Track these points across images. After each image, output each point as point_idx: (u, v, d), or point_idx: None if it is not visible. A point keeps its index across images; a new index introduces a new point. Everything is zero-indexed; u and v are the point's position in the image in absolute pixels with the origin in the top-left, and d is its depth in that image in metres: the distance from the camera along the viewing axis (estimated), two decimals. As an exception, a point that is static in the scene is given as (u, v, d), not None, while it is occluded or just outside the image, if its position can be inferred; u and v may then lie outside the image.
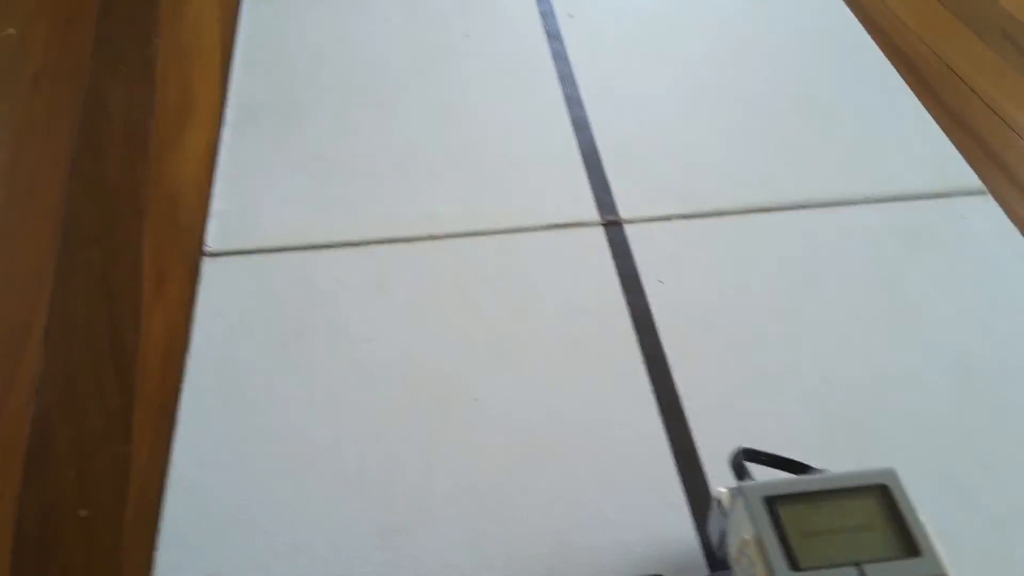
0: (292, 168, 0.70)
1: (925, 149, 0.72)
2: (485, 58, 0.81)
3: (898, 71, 0.80)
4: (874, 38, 0.84)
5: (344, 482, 0.51)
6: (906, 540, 0.33)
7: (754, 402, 0.55)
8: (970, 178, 0.70)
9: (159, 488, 0.50)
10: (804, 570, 0.32)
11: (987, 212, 0.67)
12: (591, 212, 0.67)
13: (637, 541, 0.48)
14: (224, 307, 0.59)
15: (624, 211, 0.67)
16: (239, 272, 0.62)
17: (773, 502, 0.34)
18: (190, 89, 0.78)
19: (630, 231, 0.66)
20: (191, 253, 0.64)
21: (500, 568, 0.47)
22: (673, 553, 0.47)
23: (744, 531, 0.34)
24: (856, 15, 0.88)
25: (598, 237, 0.65)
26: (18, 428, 0.54)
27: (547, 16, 0.86)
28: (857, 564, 0.32)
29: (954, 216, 0.66)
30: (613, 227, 0.66)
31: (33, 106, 0.77)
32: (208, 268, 0.62)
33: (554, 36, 0.84)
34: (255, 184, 0.68)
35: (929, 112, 0.76)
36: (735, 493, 0.35)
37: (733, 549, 0.35)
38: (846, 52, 0.83)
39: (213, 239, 0.64)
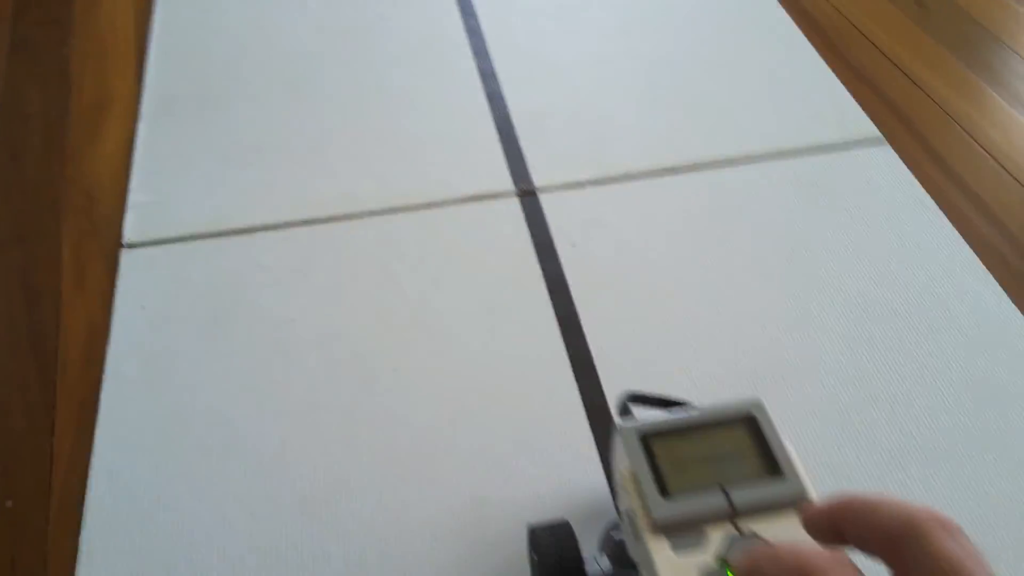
0: (209, 156, 0.70)
1: (827, 104, 0.75)
2: (401, 37, 0.82)
3: (802, 30, 0.83)
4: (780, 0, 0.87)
5: (266, 458, 0.52)
6: (769, 463, 0.34)
7: (662, 355, 0.57)
8: (869, 128, 0.72)
9: (83, 476, 0.51)
10: (673, 496, 0.34)
11: (886, 161, 0.69)
12: (506, 183, 0.69)
13: (550, 492, 0.50)
14: (144, 297, 0.60)
15: (538, 180, 0.69)
16: (158, 262, 0.62)
17: (647, 438, 0.35)
18: (106, 85, 0.79)
19: (544, 199, 0.67)
20: (110, 247, 0.64)
21: (417, 529, 0.49)
22: (584, 500, 0.49)
23: (623, 466, 0.35)
24: None
25: (513, 207, 0.67)
26: (-58, 429, 0.54)
27: (462, -6, 0.87)
28: (722, 487, 0.34)
29: (854, 166, 0.69)
30: (527, 196, 0.68)
31: (-54, 111, 0.76)
32: (127, 260, 0.62)
33: (468, 12, 0.85)
34: (172, 175, 0.69)
35: (831, 69, 0.78)
36: (614, 432, 0.37)
37: (617, 484, 0.37)
38: (752, 14, 0.85)
39: (131, 231, 0.65)
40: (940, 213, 0.65)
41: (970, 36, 0.83)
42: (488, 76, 0.78)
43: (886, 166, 0.69)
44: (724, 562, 0.32)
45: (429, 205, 0.67)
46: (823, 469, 0.51)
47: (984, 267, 0.62)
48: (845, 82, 0.77)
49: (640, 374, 0.56)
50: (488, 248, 0.64)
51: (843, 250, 0.63)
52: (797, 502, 0.34)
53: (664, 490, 0.34)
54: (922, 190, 0.67)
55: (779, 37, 0.82)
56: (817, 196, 0.67)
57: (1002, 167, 0.70)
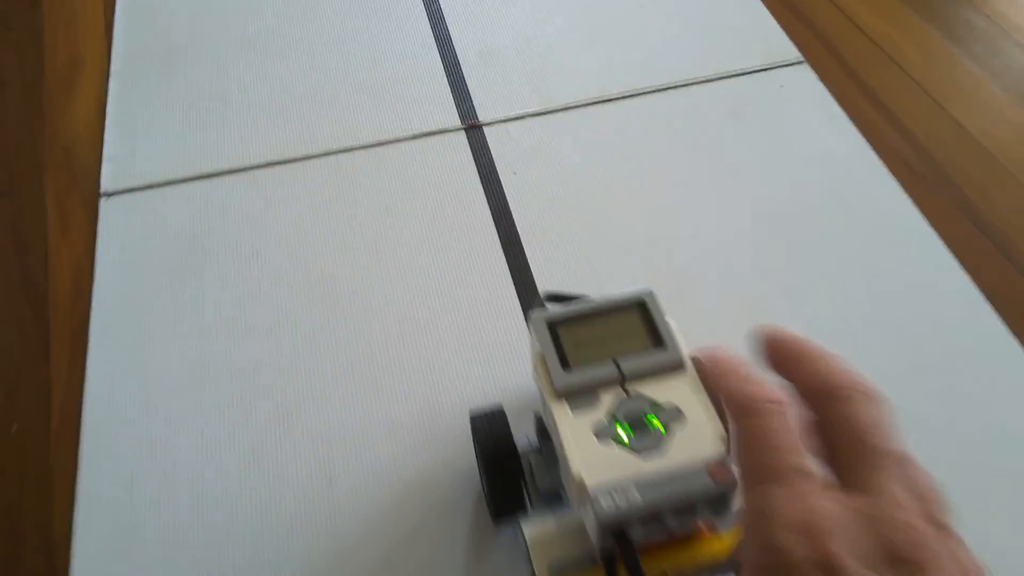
0: (176, 110, 0.76)
1: (752, 30, 0.79)
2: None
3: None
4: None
5: (240, 379, 0.58)
6: (654, 338, 0.41)
7: (595, 265, 0.63)
8: (791, 51, 0.77)
9: (78, 400, 0.58)
10: (572, 369, 0.40)
11: (803, 79, 0.75)
12: (453, 119, 0.74)
13: (492, 388, 0.57)
14: (123, 239, 0.66)
15: (483, 115, 0.74)
16: (134, 208, 0.68)
17: (553, 324, 0.42)
18: (77, 47, 0.83)
19: (488, 132, 0.73)
20: (90, 197, 0.70)
21: (380, 426, 0.56)
22: (520, 391, 0.56)
23: (534, 349, 0.42)
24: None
25: (460, 140, 0.72)
26: (-50, 366, 0.61)
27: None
28: (614, 359, 0.40)
29: (774, 86, 0.74)
30: (473, 130, 0.73)
31: (-74, 80, 0.81)
32: (105, 208, 0.68)
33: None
34: (143, 128, 0.74)
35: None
36: (528, 321, 0.43)
37: (532, 369, 0.43)
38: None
39: (107, 181, 0.70)
40: (850, 124, 0.71)
41: (893, -43, 0.87)
42: (436, 19, 0.83)
43: (804, 84, 0.74)
44: (613, 417, 0.38)
45: (382, 143, 0.72)
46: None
47: (888, 172, 0.67)
48: (771, 7, 0.82)
49: (574, 281, 0.62)
50: (438, 179, 0.70)
51: (759, 162, 0.69)
52: (676, 367, 0.40)
53: (565, 364, 0.40)
54: (836, 105, 0.72)
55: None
56: (739, 115, 0.72)
57: (913, 80, 0.75)
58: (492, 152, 0.71)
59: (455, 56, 0.79)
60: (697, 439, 0.36)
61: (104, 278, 0.64)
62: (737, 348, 0.34)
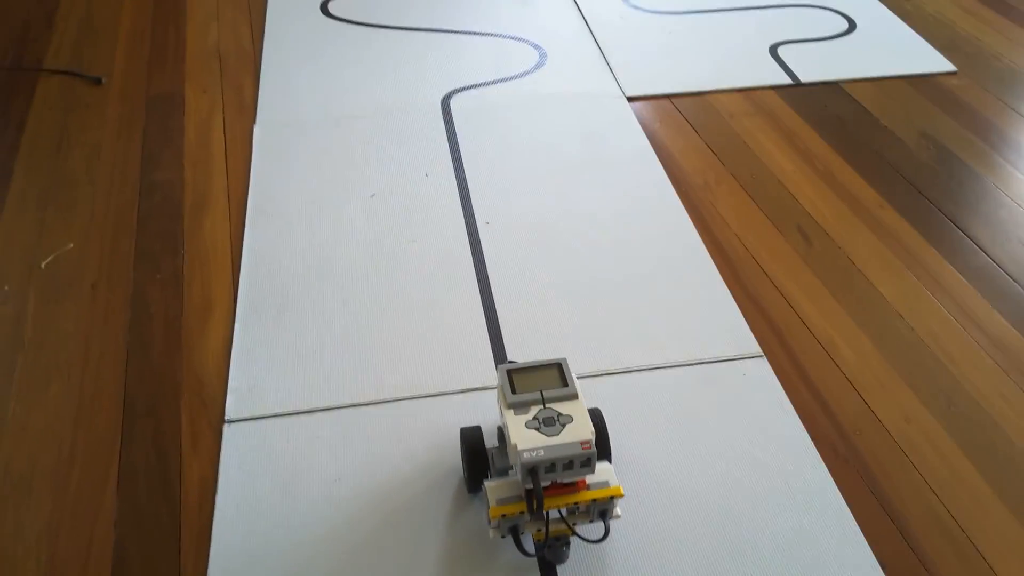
0: (284, 352, 1.00)
1: (724, 322, 1.04)
2: (424, 258, 1.12)
3: (712, 258, 1.13)
4: (700, 234, 1.17)
5: (322, 577, 0.78)
6: (563, 381, 0.76)
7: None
8: (752, 344, 1.01)
9: (202, 586, 0.78)
10: (517, 393, 0.74)
11: (761, 371, 0.98)
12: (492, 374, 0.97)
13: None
14: (240, 458, 0.88)
15: (515, 377, 0.97)
16: (250, 433, 0.91)
17: (509, 371, 0.77)
18: (209, 290, 1.09)
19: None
20: (216, 421, 0.93)
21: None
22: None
23: (498, 384, 0.76)
24: (690, 215, 1.21)
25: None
26: (103, 550, 0.81)
27: (469, 222, 1.18)
28: (540, 390, 0.75)
29: (737, 373, 0.97)
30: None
31: (94, 309, 1.06)
32: (228, 431, 0.91)
33: (476, 249, 1.15)
34: (258, 367, 0.98)
35: (731, 292, 1.08)
36: (498, 370, 0.77)
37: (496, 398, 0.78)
38: (678, 242, 1.15)
39: (231, 410, 0.93)
40: (795, 415, 0.93)
41: (843, 270, 1.13)
42: (485, 293, 1.08)
43: (761, 375, 0.97)
44: (535, 418, 0.72)
45: (435, 395, 0.95)
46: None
47: (819, 454, 0.89)
48: (740, 303, 1.06)
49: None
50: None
51: (721, 425, 0.91)
52: (572, 397, 0.74)
53: (514, 391, 0.75)
54: (786, 397, 0.95)
55: (695, 262, 1.12)
56: (708, 390, 0.95)
57: (845, 376, 0.98)
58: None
59: (497, 324, 1.04)
60: (577, 431, 0.71)
61: (225, 489, 0.85)
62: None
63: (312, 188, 1.26)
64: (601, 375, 0.98)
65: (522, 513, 0.73)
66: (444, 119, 1.41)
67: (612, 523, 0.77)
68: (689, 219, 1.20)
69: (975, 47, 1.63)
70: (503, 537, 0.75)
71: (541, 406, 0.73)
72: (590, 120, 1.41)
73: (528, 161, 1.31)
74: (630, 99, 1.47)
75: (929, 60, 1.58)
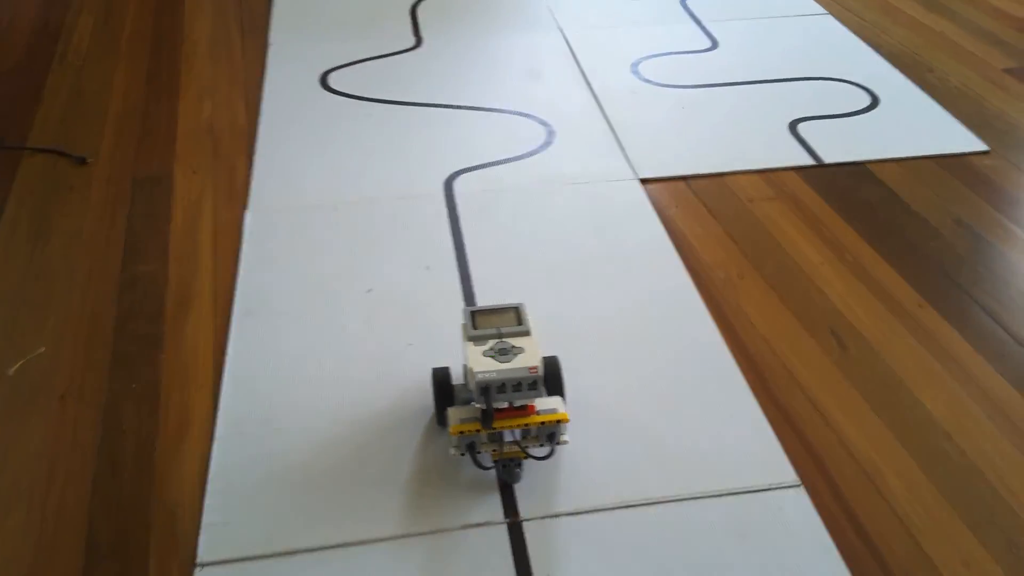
0: (267, 483, 0.90)
1: (755, 447, 0.93)
2: (419, 368, 1.03)
3: (741, 369, 1.03)
4: (724, 337, 1.08)
5: None
6: (519, 320, 0.87)
7: None
8: (788, 472, 0.91)
9: None
10: (478, 329, 0.86)
11: (799, 503, 0.88)
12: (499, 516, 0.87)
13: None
14: (212, 615, 0.78)
15: (524, 511, 0.87)
16: (224, 581, 0.80)
17: (473, 312, 0.88)
18: (187, 405, 0.99)
19: (527, 530, 0.86)
20: (187, 562, 0.82)
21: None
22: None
23: (462, 322, 0.88)
24: (713, 314, 1.11)
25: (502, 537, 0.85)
26: None
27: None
28: (497, 327, 0.86)
29: (773, 508, 0.87)
30: (514, 526, 0.86)
31: (62, 425, 0.97)
32: (200, 578, 0.81)
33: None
34: (237, 500, 0.88)
35: (762, 409, 0.98)
36: (463, 312, 0.89)
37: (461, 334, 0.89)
38: (701, 350, 1.06)
39: (203, 551, 0.83)
40: (837, 555, 0.83)
41: (883, 380, 1.03)
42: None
43: (800, 508, 0.87)
44: (491, 348, 0.83)
45: (437, 532, 0.85)
46: None
47: (870, 611, 0.78)
48: (773, 423, 0.96)
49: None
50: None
51: (760, 589, 0.80)
52: (526, 333, 0.85)
53: (475, 327, 0.85)
54: (827, 534, 0.85)
55: (719, 370, 1.03)
56: (740, 539, 0.85)
57: (894, 511, 0.87)
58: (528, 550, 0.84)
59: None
60: (527, 359, 0.82)
61: (193, 654, 0.75)
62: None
63: (304, 284, 1.17)
64: (608, 509, 0.87)
65: (478, 431, 0.84)
66: (447, 204, 1.32)
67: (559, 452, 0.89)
68: (711, 319, 1.11)
69: (1007, 123, 1.55)
70: (462, 455, 0.86)
71: (498, 339, 0.84)
72: (602, 207, 1.32)
73: (536, 254, 1.22)
74: (643, 181, 1.39)
75: (959, 138, 1.50)
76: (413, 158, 1.44)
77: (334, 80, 1.67)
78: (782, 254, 1.24)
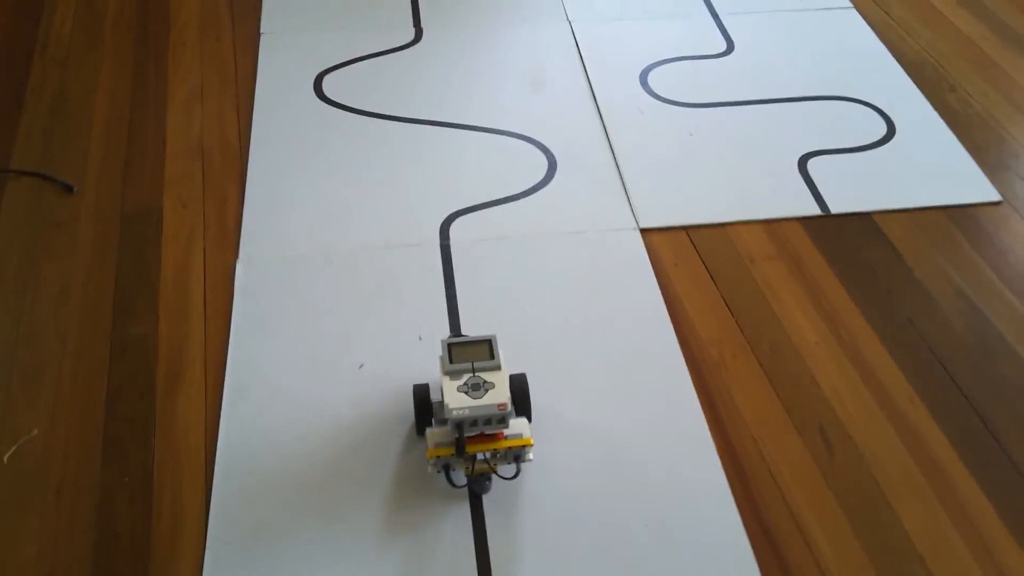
0: (258, 600, 0.93)
1: (734, 571, 0.96)
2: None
3: (725, 472, 1.04)
4: (712, 432, 1.08)
5: None
6: (490, 354, 0.96)
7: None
8: (763, 606, 0.93)
9: None
10: (454, 363, 0.95)
11: (771, 643, 0.91)
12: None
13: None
14: None
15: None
16: None
17: (450, 344, 0.97)
18: (179, 501, 1.01)
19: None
20: None
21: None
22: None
23: (440, 355, 0.97)
24: (703, 405, 1.11)
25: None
26: None
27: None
28: (471, 361, 0.95)
29: (746, 648, 0.90)
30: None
31: (58, 525, 0.99)
32: None
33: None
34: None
35: (744, 526, 1.00)
36: (441, 344, 0.98)
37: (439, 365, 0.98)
38: (692, 454, 1.07)
39: None
40: None
41: (866, 492, 1.04)
42: (478, 522, 1.00)
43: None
44: (466, 383, 0.92)
45: None
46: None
47: None
48: (753, 540, 0.98)
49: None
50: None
51: None
52: (497, 368, 0.94)
53: (451, 361, 0.95)
54: None
55: (708, 478, 1.04)
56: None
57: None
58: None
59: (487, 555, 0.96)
60: (497, 396, 0.91)
61: None
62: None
63: (296, 354, 1.16)
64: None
65: (452, 455, 0.94)
66: (442, 256, 1.30)
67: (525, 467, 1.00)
68: (702, 414, 1.11)
69: None
70: (438, 473, 0.99)
71: (471, 374, 0.93)
72: (601, 264, 1.29)
73: (530, 324, 1.21)
74: (644, 231, 1.35)
75: (971, 183, 1.46)
76: (410, 191, 1.40)
77: (328, 85, 1.61)
78: (778, 330, 1.22)
